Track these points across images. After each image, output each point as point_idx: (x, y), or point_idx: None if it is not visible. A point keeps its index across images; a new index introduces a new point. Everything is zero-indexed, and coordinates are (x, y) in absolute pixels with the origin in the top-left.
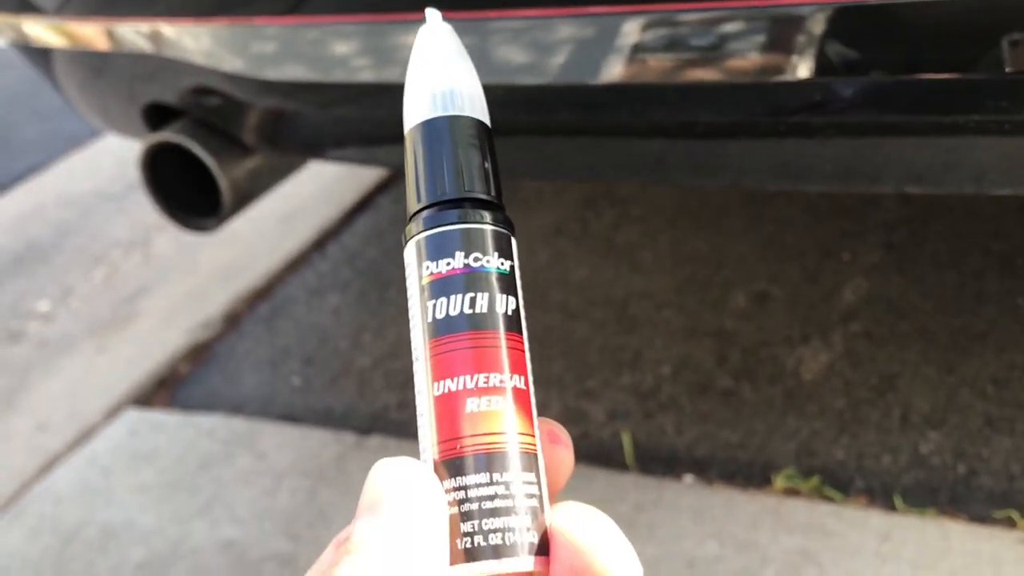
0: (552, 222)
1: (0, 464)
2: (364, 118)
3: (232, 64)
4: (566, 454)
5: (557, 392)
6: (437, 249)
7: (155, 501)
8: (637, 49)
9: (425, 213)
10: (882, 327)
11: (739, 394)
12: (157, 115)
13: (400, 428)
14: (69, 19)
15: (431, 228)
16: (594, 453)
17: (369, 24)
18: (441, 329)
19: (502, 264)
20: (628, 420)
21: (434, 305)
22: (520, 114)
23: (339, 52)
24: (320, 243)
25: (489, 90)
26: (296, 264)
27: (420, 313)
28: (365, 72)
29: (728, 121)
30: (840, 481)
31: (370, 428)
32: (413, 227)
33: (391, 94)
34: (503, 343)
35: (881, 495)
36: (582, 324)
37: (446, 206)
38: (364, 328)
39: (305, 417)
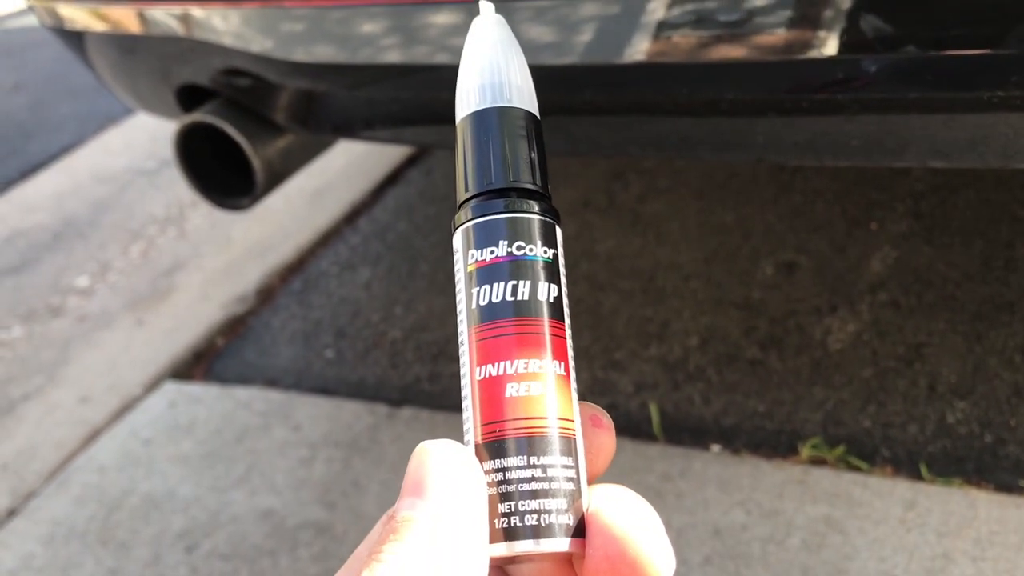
0: (579, 195)
1: (45, 436)
2: (393, 98)
3: (262, 46)
4: (608, 438)
5: (585, 363)
6: (482, 237)
7: (194, 471)
8: (660, 27)
9: (472, 202)
10: (909, 297)
11: (766, 364)
12: (190, 96)
13: (431, 399)
14: (103, 2)
15: (477, 217)
16: (622, 424)
17: (396, 6)
18: (485, 315)
19: (545, 252)
20: (656, 391)
21: (478, 292)
22: (546, 93)
23: (367, 33)
24: (351, 217)
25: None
26: (328, 239)
27: (465, 299)
28: (393, 53)
29: (752, 98)
30: (866, 450)
31: (402, 400)
32: (461, 215)
33: (419, 74)
34: (545, 330)
35: (907, 464)
36: (610, 295)
37: (492, 195)
38: (395, 301)
39: (338, 389)
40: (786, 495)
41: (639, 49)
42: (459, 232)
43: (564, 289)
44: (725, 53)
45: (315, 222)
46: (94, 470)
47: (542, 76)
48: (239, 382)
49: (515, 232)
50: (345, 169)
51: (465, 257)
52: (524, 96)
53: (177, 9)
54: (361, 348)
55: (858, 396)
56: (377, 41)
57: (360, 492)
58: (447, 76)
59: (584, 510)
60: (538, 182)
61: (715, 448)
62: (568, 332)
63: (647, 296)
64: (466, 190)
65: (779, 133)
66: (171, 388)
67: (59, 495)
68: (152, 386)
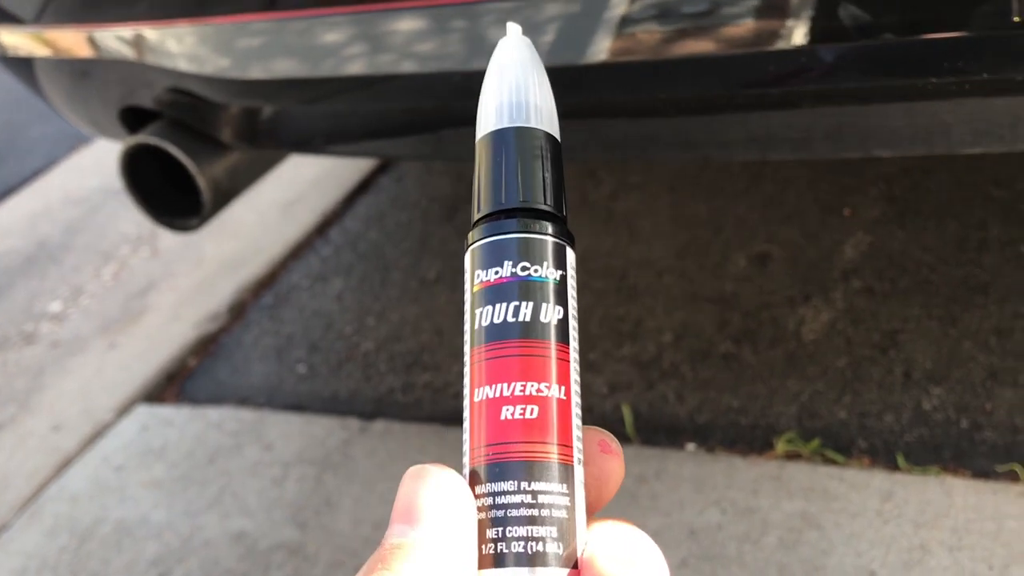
0: None
1: (18, 466)
2: (336, 112)
3: (199, 66)
4: (616, 464)
5: None
6: (488, 258)
7: (167, 496)
8: (617, 26)
9: (482, 223)
10: (883, 282)
11: (740, 358)
12: (135, 117)
13: (405, 411)
14: (44, 28)
15: (485, 237)
16: (597, 426)
17: (354, 15)
18: (485, 337)
19: (551, 274)
20: (630, 391)
21: (480, 313)
22: None
23: (323, 45)
24: (322, 228)
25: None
26: (299, 250)
27: (469, 320)
28: (335, 66)
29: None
30: (842, 442)
31: (375, 412)
32: (471, 236)
33: (364, 86)
34: (547, 352)
35: (884, 454)
36: (583, 296)
37: (501, 215)
38: (367, 312)
39: (311, 404)
40: (761, 492)
41: (598, 50)
42: (468, 252)
43: (572, 311)
44: (676, 50)
45: (286, 234)
46: (66, 499)
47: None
48: (212, 402)
49: (521, 252)
50: (316, 179)
51: (471, 278)
52: (543, 117)
53: (119, 32)
54: (334, 361)
55: (833, 387)
56: (334, 53)
57: (332, 510)
58: (410, 85)
59: (580, 545)
60: (550, 202)
61: (690, 447)
62: (574, 356)
63: (620, 295)
64: (478, 210)
65: (726, 130)
66: (143, 411)
67: (31, 526)
68: (124, 410)
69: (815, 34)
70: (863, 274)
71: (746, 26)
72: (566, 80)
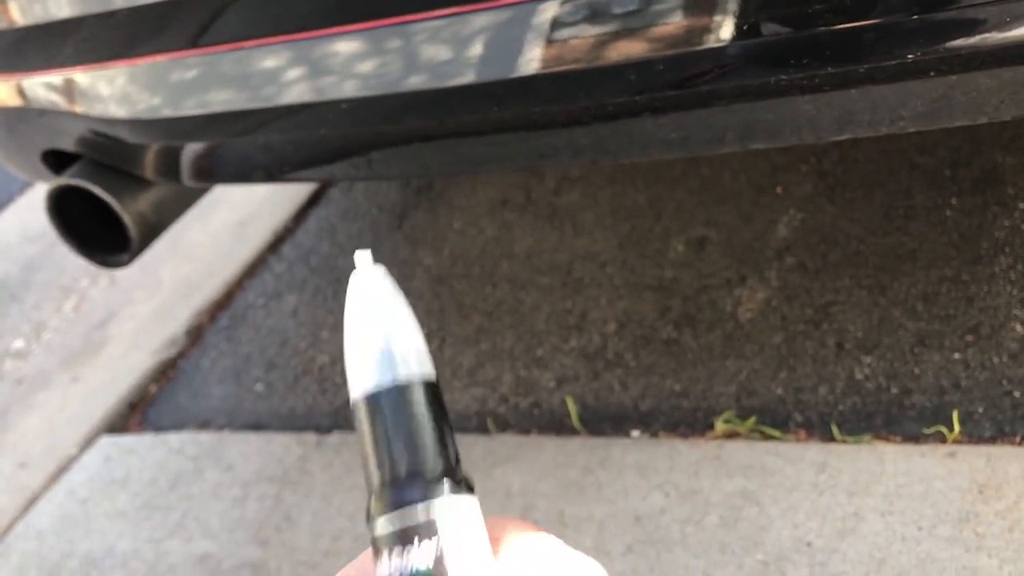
0: (497, 193)
1: None
2: (251, 143)
3: (106, 109)
4: None
5: (509, 364)
6: (379, 541)
7: (131, 525)
8: (536, 38)
9: (375, 497)
10: (815, 257)
11: (681, 343)
12: (58, 159)
13: None
14: None
15: (379, 515)
16: (546, 422)
17: (287, 43)
18: None
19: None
20: (576, 383)
21: None
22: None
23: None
24: (275, 245)
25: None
26: (253, 269)
27: None
28: (245, 100)
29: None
30: (779, 418)
31: (332, 425)
32: (372, 507)
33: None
34: None
35: (819, 427)
36: (530, 293)
37: (392, 491)
38: (322, 325)
39: (270, 422)
40: (702, 473)
41: (526, 61)
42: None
43: None
44: (597, 55)
45: (240, 254)
46: (32, 537)
47: (420, 99)
48: (173, 427)
49: (404, 538)
50: (267, 196)
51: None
52: (417, 361)
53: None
54: (290, 378)
55: (769, 364)
56: (222, 91)
57: (292, 526)
58: (348, 109)
59: None
60: (440, 468)
61: (635, 434)
62: None
63: (566, 289)
64: (370, 482)
65: (646, 131)
66: (106, 442)
67: None
68: (88, 443)
69: (719, 35)
70: (796, 251)
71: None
72: (497, 92)
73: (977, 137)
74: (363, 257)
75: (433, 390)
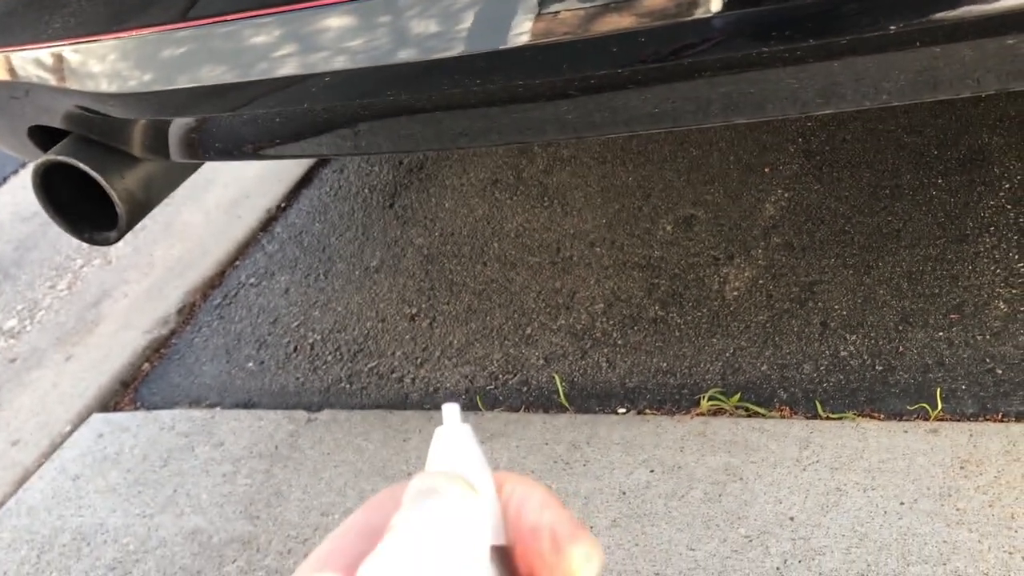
0: (488, 174)
1: None
2: (239, 118)
3: (92, 83)
4: None
5: (498, 342)
6: None
7: (123, 500)
8: (520, 11)
9: None
10: (802, 236)
11: (668, 321)
12: (46, 135)
13: (351, 399)
14: None
15: None
16: (534, 399)
17: (278, 15)
18: None
19: None
20: (565, 361)
21: None
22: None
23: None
24: (267, 224)
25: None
26: (246, 248)
27: None
28: (232, 74)
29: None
30: (764, 395)
31: (322, 403)
32: None
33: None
34: None
35: (804, 404)
36: (520, 272)
37: None
38: (313, 304)
39: (261, 400)
40: (687, 449)
41: (510, 33)
42: None
43: None
44: (580, 28)
45: (232, 234)
46: (24, 513)
47: (406, 73)
48: (165, 406)
49: None
50: (260, 176)
51: None
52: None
53: (22, 54)
54: (282, 356)
55: (755, 342)
56: (207, 65)
57: (283, 501)
58: (335, 82)
59: None
60: None
61: (621, 411)
62: None
63: (555, 268)
64: None
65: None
66: (98, 420)
67: None
68: (80, 421)
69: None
70: (783, 230)
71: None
72: (480, 65)
73: (964, 117)
74: (451, 412)
75: (501, 553)
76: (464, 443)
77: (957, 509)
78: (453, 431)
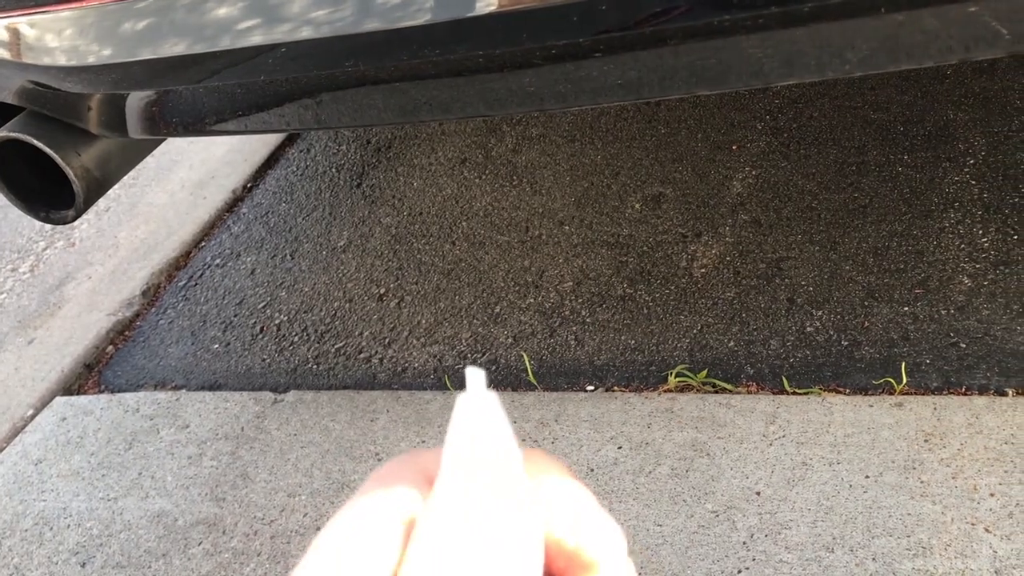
0: (456, 153)
1: None
2: (197, 91)
3: (45, 56)
4: None
5: (467, 321)
6: None
7: (86, 484)
8: None
9: None
10: (769, 213)
11: (636, 298)
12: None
13: (318, 379)
14: None
15: None
16: (502, 377)
17: None
18: None
19: None
20: (533, 339)
21: None
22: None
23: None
24: (233, 205)
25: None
26: (212, 229)
27: None
28: (190, 45)
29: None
30: (731, 371)
31: (289, 384)
32: None
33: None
34: None
35: (770, 379)
36: (489, 251)
37: None
38: (280, 284)
39: (227, 381)
40: (654, 425)
41: (469, 1)
42: None
43: None
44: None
45: (198, 215)
46: None
47: (367, 43)
48: (130, 388)
49: None
50: (226, 156)
51: None
52: None
53: None
54: (248, 337)
55: (722, 318)
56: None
57: (248, 482)
58: (297, 53)
59: None
60: None
61: (589, 388)
62: None
63: (524, 247)
64: None
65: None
66: (61, 403)
67: None
68: (43, 404)
69: None
70: (750, 207)
71: None
72: (440, 35)
73: (930, 94)
74: (475, 377)
75: None
76: (491, 415)
77: (921, 482)
78: (478, 400)
